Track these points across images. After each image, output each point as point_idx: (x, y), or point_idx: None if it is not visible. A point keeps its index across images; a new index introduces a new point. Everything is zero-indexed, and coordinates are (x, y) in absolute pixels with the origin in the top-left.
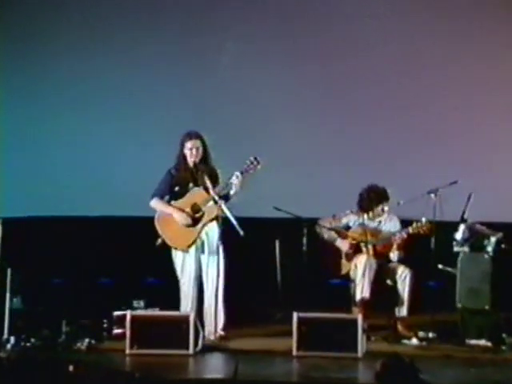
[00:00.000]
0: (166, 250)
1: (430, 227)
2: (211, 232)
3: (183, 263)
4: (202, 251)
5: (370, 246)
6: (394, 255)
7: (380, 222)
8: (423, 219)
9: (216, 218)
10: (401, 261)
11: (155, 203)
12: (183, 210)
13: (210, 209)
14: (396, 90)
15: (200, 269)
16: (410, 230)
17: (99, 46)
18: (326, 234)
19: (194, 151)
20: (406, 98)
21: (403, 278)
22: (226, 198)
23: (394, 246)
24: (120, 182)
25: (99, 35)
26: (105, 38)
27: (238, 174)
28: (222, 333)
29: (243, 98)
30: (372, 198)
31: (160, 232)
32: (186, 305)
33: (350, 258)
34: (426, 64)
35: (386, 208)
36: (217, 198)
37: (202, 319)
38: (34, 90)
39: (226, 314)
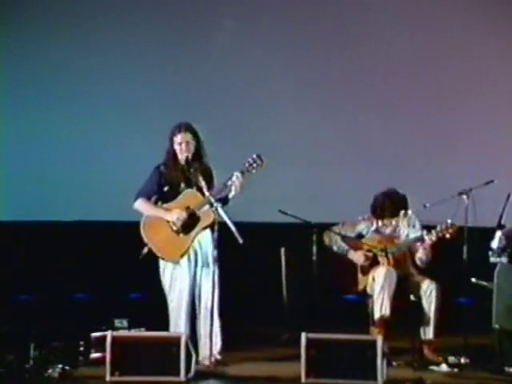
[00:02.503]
0: (152, 260)
1: (457, 229)
2: (204, 240)
3: (173, 277)
4: (196, 263)
5: (390, 255)
6: (421, 256)
7: (397, 226)
8: (448, 221)
9: (211, 225)
10: (427, 270)
11: (140, 205)
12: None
13: (205, 214)
14: (422, 80)
15: (192, 283)
16: (434, 235)
17: (84, 35)
18: (335, 246)
19: (183, 146)
20: (434, 88)
21: (428, 293)
22: (223, 200)
23: (421, 248)
24: (99, 181)
25: (84, 25)
26: (89, 25)
27: (237, 174)
28: (219, 357)
29: (244, 85)
30: (387, 207)
31: (146, 240)
32: (176, 325)
33: (366, 271)
34: (453, 57)
35: (409, 212)
36: (213, 200)
37: (195, 341)
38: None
39: (223, 335)
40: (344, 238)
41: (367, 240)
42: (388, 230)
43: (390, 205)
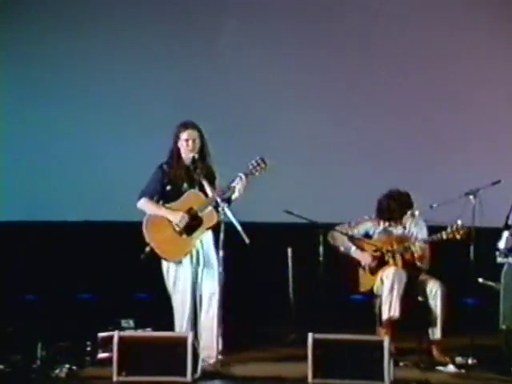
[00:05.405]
0: (157, 260)
1: (467, 232)
2: (206, 240)
3: (176, 276)
4: (198, 263)
5: (398, 256)
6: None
7: (404, 227)
8: (458, 222)
9: (214, 226)
10: (434, 269)
11: (144, 204)
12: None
13: (208, 215)
14: (429, 80)
15: (194, 283)
16: (444, 235)
17: (83, 30)
18: (342, 246)
19: (190, 143)
20: (441, 88)
21: (433, 293)
22: (227, 202)
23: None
24: (103, 181)
25: (86, 25)
26: (91, 25)
27: (241, 175)
28: (220, 357)
29: (248, 85)
30: (393, 209)
31: (148, 239)
32: (181, 325)
33: (374, 271)
34: (457, 57)
35: (416, 212)
36: (219, 200)
37: (200, 341)
38: None
39: (229, 336)
40: (351, 237)
41: (374, 240)
42: (395, 230)
43: (396, 206)
